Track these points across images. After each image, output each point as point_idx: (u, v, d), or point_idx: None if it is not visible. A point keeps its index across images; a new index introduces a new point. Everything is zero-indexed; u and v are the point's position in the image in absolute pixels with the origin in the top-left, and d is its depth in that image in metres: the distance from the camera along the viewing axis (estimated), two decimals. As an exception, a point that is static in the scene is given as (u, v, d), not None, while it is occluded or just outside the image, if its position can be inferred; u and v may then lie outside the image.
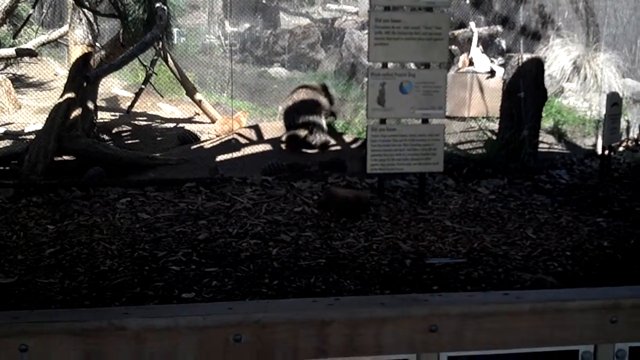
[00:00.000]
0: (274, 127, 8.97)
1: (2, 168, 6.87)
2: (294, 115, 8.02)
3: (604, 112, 6.48)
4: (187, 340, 1.55)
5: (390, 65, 5.18)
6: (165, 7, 5.97)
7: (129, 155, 7.41)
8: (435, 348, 1.64)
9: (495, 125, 8.01)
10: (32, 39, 10.08)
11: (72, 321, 1.56)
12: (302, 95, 8.26)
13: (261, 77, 12.78)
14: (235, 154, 7.53)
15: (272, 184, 5.44)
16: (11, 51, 8.61)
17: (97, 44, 8.25)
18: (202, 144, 8.55)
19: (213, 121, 10.20)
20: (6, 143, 8.37)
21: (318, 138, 7.93)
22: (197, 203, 4.88)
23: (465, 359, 1.68)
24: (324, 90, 8.52)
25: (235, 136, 8.42)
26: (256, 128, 8.96)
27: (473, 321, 1.65)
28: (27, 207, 4.75)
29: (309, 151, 7.76)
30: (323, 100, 8.31)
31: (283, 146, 7.92)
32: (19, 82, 11.83)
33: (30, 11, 7.97)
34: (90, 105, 7.94)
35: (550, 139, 8.61)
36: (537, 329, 1.67)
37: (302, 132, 7.88)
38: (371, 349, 1.62)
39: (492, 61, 10.85)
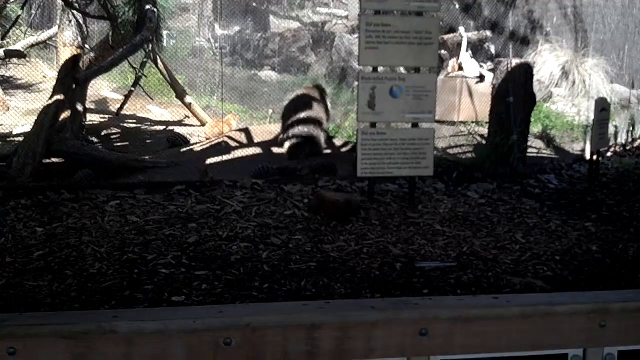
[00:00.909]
0: (264, 131, 8.97)
1: (-10, 170, 6.81)
2: (295, 122, 8.01)
3: (592, 117, 6.52)
4: (177, 344, 1.55)
5: (380, 69, 5.19)
6: (155, 10, 5.97)
7: (119, 158, 7.37)
8: (426, 352, 1.65)
9: (484, 130, 8.04)
10: (21, 41, 10.05)
11: (61, 324, 1.55)
12: (303, 101, 8.22)
13: (251, 80, 12.78)
14: (226, 157, 7.51)
15: (263, 188, 5.43)
16: (-1, 53, 8.57)
17: (87, 46, 8.23)
18: (192, 147, 8.53)
19: (203, 124, 10.19)
20: (-6, 145, 8.31)
21: (319, 146, 7.99)
22: (187, 206, 4.86)
23: (456, 363, 1.68)
24: (323, 95, 8.47)
25: (226, 139, 8.41)
26: (246, 131, 8.96)
27: (463, 325, 1.65)
28: (16, 210, 4.72)
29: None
30: (323, 108, 8.29)
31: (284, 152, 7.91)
32: (8, 84, 11.76)
33: (19, 12, 7.93)
34: (80, 107, 7.91)
35: (539, 144, 8.66)
36: (526, 333, 1.67)
37: (304, 142, 7.89)
38: (362, 352, 1.62)
39: (481, 66, 10.90)
